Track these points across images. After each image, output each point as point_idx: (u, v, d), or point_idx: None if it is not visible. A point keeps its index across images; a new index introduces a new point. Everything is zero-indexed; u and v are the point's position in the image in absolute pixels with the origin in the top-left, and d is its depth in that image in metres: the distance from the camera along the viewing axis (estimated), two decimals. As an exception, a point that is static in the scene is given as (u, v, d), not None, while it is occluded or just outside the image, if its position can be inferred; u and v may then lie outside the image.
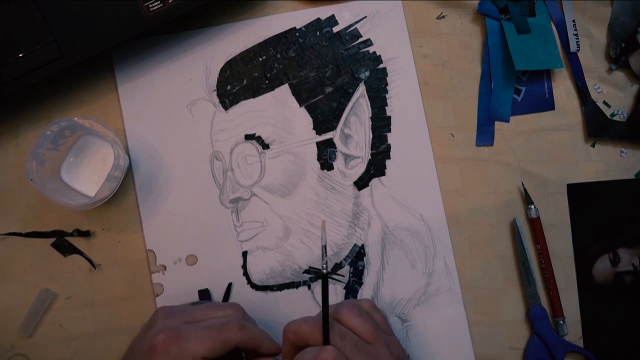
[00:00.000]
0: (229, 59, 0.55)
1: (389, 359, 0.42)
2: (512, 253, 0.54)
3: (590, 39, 0.58)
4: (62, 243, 0.52)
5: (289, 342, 0.42)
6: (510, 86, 0.56)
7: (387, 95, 0.55)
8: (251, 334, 0.43)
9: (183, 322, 0.43)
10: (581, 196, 0.55)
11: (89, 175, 0.51)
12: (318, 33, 0.55)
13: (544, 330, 0.52)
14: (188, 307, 0.46)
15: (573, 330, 0.53)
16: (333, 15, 0.56)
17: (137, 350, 0.42)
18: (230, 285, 0.52)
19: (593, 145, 0.57)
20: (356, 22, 0.56)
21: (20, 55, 0.48)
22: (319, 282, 0.53)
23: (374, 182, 0.54)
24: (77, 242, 0.52)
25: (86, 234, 0.52)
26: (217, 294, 0.52)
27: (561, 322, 0.52)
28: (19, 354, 0.50)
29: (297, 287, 0.53)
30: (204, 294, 0.52)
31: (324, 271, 0.42)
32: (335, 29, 0.55)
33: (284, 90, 0.54)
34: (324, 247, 0.42)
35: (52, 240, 0.52)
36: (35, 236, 0.52)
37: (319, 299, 0.52)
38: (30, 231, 0.52)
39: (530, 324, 0.53)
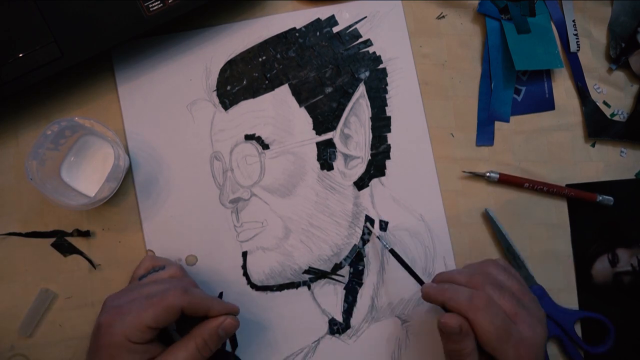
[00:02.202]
0: (228, 59, 0.54)
1: (538, 316, 0.42)
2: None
3: (590, 39, 0.58)
4: (62, 243, 0.52)
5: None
6: (510, 86, 0.56)
7: (387, 96, 0.55)
8: (195, 298, 0.42)
9: (129, 300, 0.42)
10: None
11: (89, 175, 0.51)
12: (318, 33, 0.55)
13: (547, 307, 0.52)
14: (135, 284, 0.45)
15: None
16: (333, 16, 0.56)
17: (91, 337, 0.42)
18: (221, 294, 0.52)
19: (593, 145, 0.57)
20: (356, 23, 0.56)
21: (20, 55, 0.48)
22: (319, 282, 0.53)
23: (374, 182, 0.54)
24: (77, 242, 0.52)
25: (86, 234, 0.52)
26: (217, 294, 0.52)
27: None
28: (19, 354, 0.51)
29: (297, 288, 0.53)
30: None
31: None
32: (335, 29, 0.55)
33: (284, 91, 0.54)
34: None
35: (52, 240, 0.52)
36: (35, 236, 0.52)
37: (319, 299, 0.52)
38: (30, 231, 0.52)
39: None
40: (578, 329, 0.54)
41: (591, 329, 0.54)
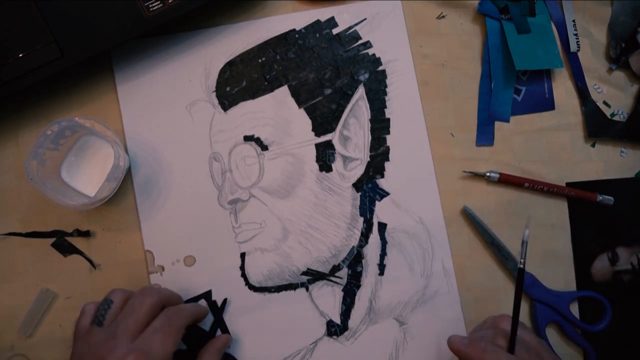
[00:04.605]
0: (228, 60, 0.54)
1: None
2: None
3: (590, 39, 0.58)
4: (62, 243, 0.52)
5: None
6: (510, 86, 0.56)
7: (387, 98, 0.55)
8: (190, 312, 0.47)
9: (129, 336, 0.42)
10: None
11: (89, 175, 0.51)
12: (318, 35, 0.55)
13: (540, 294, 0.53)
14: (108, 314, 0.44)
15: (571, 331, 0.54)
16: (333, 17, 0.55)
17: None
18: (225, 301, 0.52)
19: (593, 145, 0.57)
20: (356, 24, 0.55)
21: (20, 55, 0.48)
22: (317, 283, 0.53)
23: (373, 184, 0.54)
24: (77, 242, 0.52)
25: (86, 234, 0.52)
26: (216, 295, 0.52)
27: None
28: (19, 354, 0.51)
29: (295, 289, 0.53)
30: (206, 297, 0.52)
31: (521, 265, 0.44)
32: (335, 31, 0.55)
33: (283, 92, 0.54)
34: (525, 243, 0.44)
35: (52, 240, 0.52)
36: (35, 236, 0.52)
37: (317, 300, 0.53)
38: (30, 231, 0.52)
39: (529, 297, 0.54)
40: (575, 313, 0.54)
41: (588, 310, 0.54)
